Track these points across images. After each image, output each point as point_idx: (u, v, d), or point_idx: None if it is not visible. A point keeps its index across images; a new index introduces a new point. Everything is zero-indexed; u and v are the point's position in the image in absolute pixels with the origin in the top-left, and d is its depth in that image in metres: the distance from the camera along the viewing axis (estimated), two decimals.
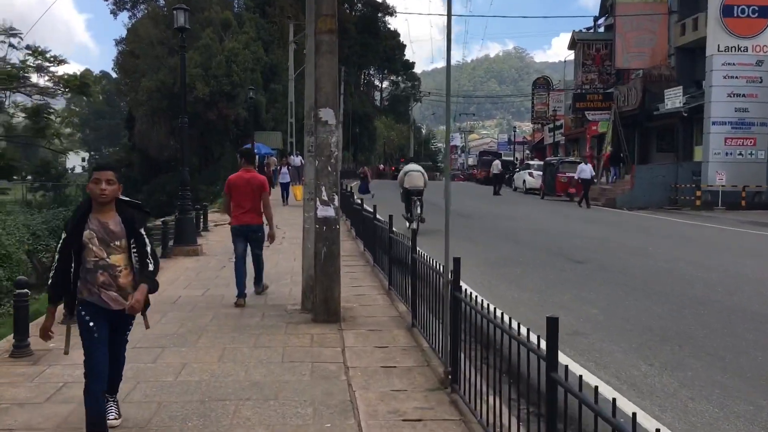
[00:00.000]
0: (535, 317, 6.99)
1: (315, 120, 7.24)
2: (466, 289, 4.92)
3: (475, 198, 29.87)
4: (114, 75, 75.32)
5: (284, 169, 25.20)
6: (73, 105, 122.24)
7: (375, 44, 72.97)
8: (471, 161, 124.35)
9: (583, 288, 9.02)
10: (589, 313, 7.56)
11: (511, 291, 8.92)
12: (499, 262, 11.53)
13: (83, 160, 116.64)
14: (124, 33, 59.72)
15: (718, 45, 25.12)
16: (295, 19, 45.46)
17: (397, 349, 6.10)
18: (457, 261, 5.02)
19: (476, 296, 4.52)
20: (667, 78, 30.97)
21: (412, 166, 17.51)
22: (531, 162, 37.30)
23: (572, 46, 45.99)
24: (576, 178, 24.29)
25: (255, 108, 41.82)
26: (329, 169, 7.16)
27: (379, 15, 73.97)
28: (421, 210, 16.37)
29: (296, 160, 34.07)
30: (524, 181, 34.16)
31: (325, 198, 7.14)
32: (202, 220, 16.35)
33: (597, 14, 47.29)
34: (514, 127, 75.61)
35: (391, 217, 9.14)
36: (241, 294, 8.07)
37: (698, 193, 25.04)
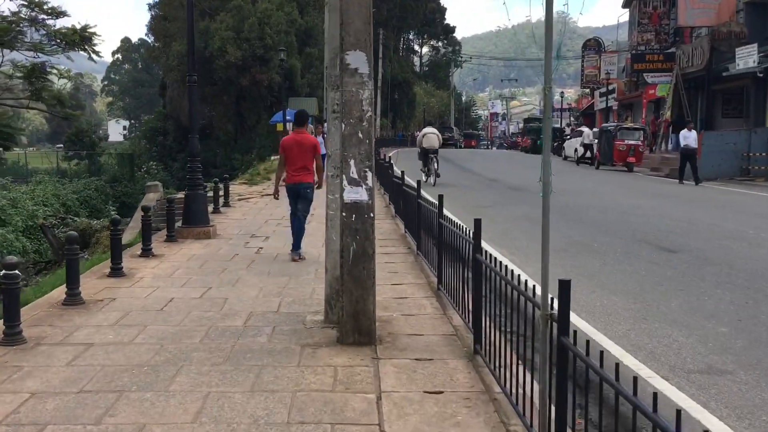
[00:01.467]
0: (653, 345, 4.99)
1: (341, 68, 5.26)
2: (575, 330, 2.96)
3: (525, 168, 27.62)
4: (148, 40, 74.10)
5: (319, 138, 22.14)
6: (113, 74, 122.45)
7: (415, 6, 70.11)
8: (512, 129, 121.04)
9: (691, 290, 6.94)
10: (718, 333, 5.52)
11: (595, 294, 6.90)
12: (569, 249, 9.50)
13: (124, 128, 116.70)
14: None
15: None
16: None
17: (456, 398, 4.18)
18: (565, 287, 3.03)
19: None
20: (738, 35, 28.01)
21: (429, 129, 20.65)
22: (583, 129, 34.67)
23: (627, 4, 42.89)
24: (682, 145, 21.27)
25: (289, 73, 39.95)
26: (360, 135, 5.20)
27: None
28: (437, 166, 19.31)
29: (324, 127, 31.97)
30: (576, 149, 31.69)
31: (355, 175, 5.20)
32: (222, 194, 14.58)
33: None
34: (562, 93, 72.10)
35: (441, 197, 7.18)
36: (297, 248, 8.80)
37: None
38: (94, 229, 19.34)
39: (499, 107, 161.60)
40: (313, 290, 6.98)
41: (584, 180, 21.86)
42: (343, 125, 5.22)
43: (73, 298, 6.29)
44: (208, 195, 12.62)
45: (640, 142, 26.13)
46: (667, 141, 30.81)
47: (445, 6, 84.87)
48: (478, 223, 5.10)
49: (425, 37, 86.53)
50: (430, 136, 19.66)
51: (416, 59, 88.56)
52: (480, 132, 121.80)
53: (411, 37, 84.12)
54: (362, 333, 5.21)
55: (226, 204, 14.58)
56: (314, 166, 8.99)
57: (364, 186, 5.22)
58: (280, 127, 33.12)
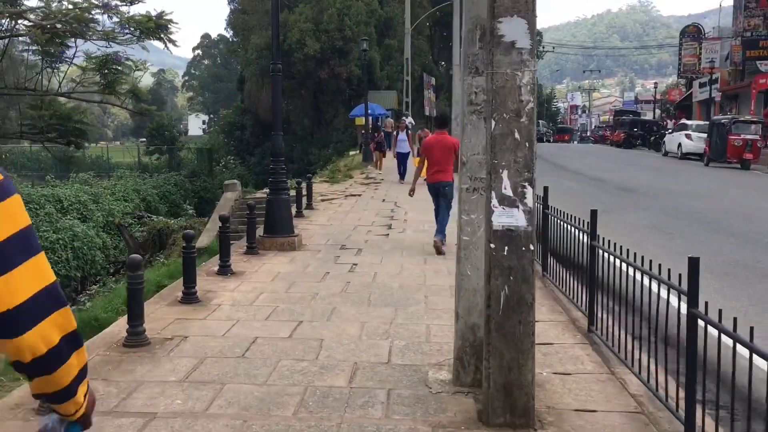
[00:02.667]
0: None
1: (491, 43, 3.77)
2: None
3: (627, 164, 25.46)
4: (227, 35, 74.60)
5: (401, 135, 19.38)
6: (193, 69, 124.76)
7: None
8: (593, 122, 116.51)
9: None
10: None
11: None
12: (732, 272, 7.74)
13: (203, 123, 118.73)
14: None
15: None
16: None
17: None
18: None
19: None
20: None
21: None
22: (687, 122, 32.01)
23: None
24: None
25: (369, 65, 38.76)
26: (517, 136, 3.71)
27: None
28: None
29: (406, 121, 30.61)
30: (680, 144, 29.16)
31: (508, 191, 3.72)
32: (305, 195, 13.36)
33: None
34: (655, 84, 68.33)
35: (594, 213, 5.64)
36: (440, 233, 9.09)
37: None
38: (172, 229, 18.60)
39: (578, 99, 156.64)
40: (428, 329, 5.54)
41: (699, 179, 19.64)
42: (493, 122, 3.74)
43: (136, 338, 5.07)
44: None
45: (758, 137, 23.57)
46: None
47: None
48: (694, 264, 3.51)
49: None
50: None
51: None
52: (561, 125, 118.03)
53: None
54: (516, 412, 3.74)
55: (309, 206, 13.35)
56: (453, 165, 9.06)
57: (521, 206, 3.74)
58: (359, 121, 31.96)
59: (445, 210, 9.16)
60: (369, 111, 31.70)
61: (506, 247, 3.74)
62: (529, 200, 3.73)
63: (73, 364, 1.39)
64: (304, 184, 13.41)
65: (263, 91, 42.48)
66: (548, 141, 61.60)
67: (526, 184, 3.74)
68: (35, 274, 1.33)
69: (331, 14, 37.81)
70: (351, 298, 6.56)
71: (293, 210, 12.24)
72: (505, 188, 3.72)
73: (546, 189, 8.00)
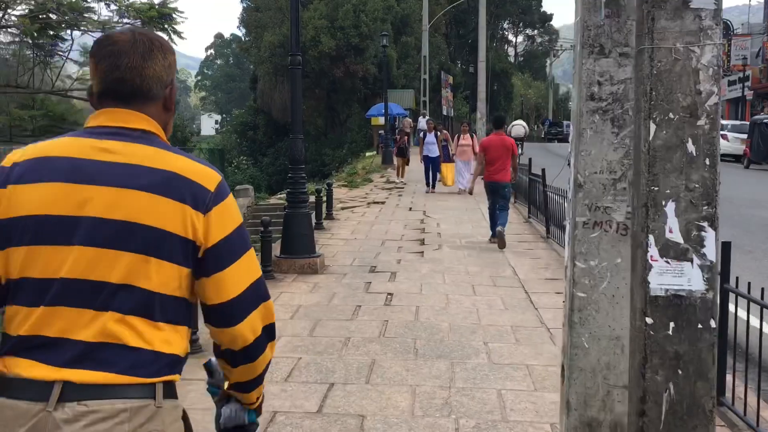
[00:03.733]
0: None
1: (648, 1, 2.39)
2: None
3: None
4: (240, 34, 73.60)
5: (430, 137, 15.96)
6: (205, 69, 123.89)
7: None
8: None
9: None
10: None
11: None
12: None
13: (216, 122, 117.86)
14: None
15: None
16: None
17: None
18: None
19: None
20: None
21: (518, 121, 28.53)
22: (723, 121, 30.42)
23: None
24: None
25: (386, 63, 37.46)
26: (691, 149, 2.36)
27: None
28: (522, 151, 23.29)
29: (422, 122, 28.74)
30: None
31: (676, 236, 2.36)
32: (324, 205, 12.05)
33: None
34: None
35: (727, 249, 4.26)
36: (494, 233, 9.31)
37: None
38: None
39: None
40: (501, 398, 4.18)
41: (750, 185, 18.14)
42: (652, 127, 2.37)
43: None
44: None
45: None
46: None
47: None
48: None
49: (520, 25, 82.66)
50: (518, 127, 25.85)
51: (510, 49, 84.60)
52: None
53: (505, 26, 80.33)
54: None
55: (330, 216, 12.01)
56: (511, 165, 9.63)
57: (696, 260, 2.37)
58: (376, 121, 30.67)
59: (504, 211, 9.52)
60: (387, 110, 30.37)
61: (672, 323, 2.37)
62: (711, 250, 2.37)
63: (268, 354, 1.55)
64: (324, 189, 12.07)
65: (276, 89, 41.25)
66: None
67: (705, 224, 2.38)
68: (249, 267, 1.49)
69: (347, 11, 36.51)
70: (392, 344, 5.21)
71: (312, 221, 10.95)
72: (670, 230, 2.36)
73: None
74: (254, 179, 49.57)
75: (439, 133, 16.12)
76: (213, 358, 1.62)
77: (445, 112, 46.97)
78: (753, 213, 12.18)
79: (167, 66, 1.54)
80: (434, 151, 15.84)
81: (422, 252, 8.90)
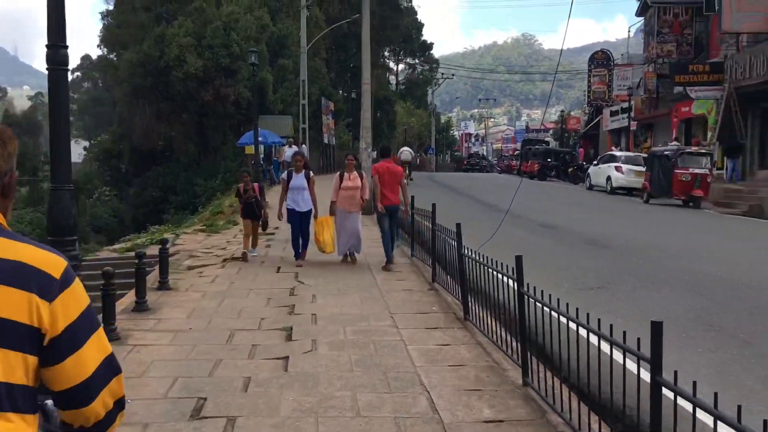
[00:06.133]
0: None
1: None
2: None
3: (559, 203, 22.14)
4: (101, 53, 67.81)
5: (298, 180, 10.56)
6: (72, 92, 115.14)
7: (395, 19, 65.07)
8: (483, 150, 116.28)
9: None
10: None
11: None
12: None
13: (84, 149, 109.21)
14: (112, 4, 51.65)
15: None
16: None
17: None
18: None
19: None
20: None
21: (405, 148, 32.49)
22: (616, 153, 29.41)
23: (642, 11, 38.23)
24: None
25: (260, 86, 34.21)
26: None
27: None
28: (410, 172, 29.04)
29: (288, 153, 24.96)
30: (609, 177, 26.32)
31: None
32: (158, 266, 8.70)
33: None
34: (563, 112, 67.24)
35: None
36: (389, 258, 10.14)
37: None
38: None
39: (472, 128, 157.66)
40: None
41: (666, 226, 16.35)
42: None
43: None
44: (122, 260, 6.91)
45: (707, 171, 20.82)
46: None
47: (422, 22, 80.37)
48: None
49: (401, 54, 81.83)
50: (405, 153, 30.01)
51: (391, 78, 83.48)
52: (456, 153, 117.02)
53: (386, 53, 79.10)
54: None
55: (163, 285, 8.64)
56: (401, 190, 10.46)
57: None
58: (249, 150, 27.26)
59: (394, 234, 10.46)
60: (261, 138, 27.14)
61: None
62: None
63: (117, 423, 1.59)
64: (172, 239, 8.70)
65: (137, 113, 36.92)
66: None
67: None
68: (99, 346, 1.54)
69: (216, 28, 33.01)
70: None
71: (129, 299, 7.69)
72: None
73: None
74: (117, 212, 44.60)
75: (311, 174, 10.54)
76: (49, 401, 1.59)
77: (326, 140, 44.18)
78: (696, 268, 9.94)
79: (6, 156, 1.57)
80: (305, 202, 10.39)
81: (287, 358, 5.80)
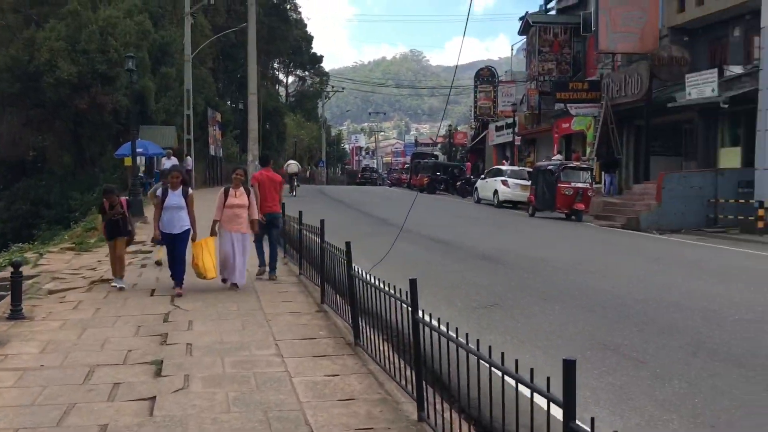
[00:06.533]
0: None
1: None
2: None
3: (450, 216, 22.22)
4: None
5: (175, 197, 9.15)
6: None
7: (284, 30, 64.23)
8: (373, 164, 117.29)
9: None
10: None
11: None
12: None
13: None
14: None
15: None
16: None
17: None
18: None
19: None
20: (679, 61, 24.50)
21: (291, 161, 35.75)
22: (503, 167, 30.03)
23: (524, 31, 39.55)
24: None
25: (140, 96, 32.54)
26: None
27: None
28: (298, 185, 32.12)
29: (167, 164, 23.08)
30: (496, 191, 26.80)
31: None
32: (10, 292, 7.69)
33: None
34: (450, 127, 68.52)
35: None
36: (263, 263, 10.40)
37: (761, 212, 18.48)
38: None
39: (362, 141, 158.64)
40: None
41: (552, 239, 16.63)
42: None
43: None
44: None
45: (588, 185, 21.53)
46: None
47: (312, 34, 79.99)
48: None
49: (291, 66, 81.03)
50: (292, 165, 33.22)
51: (281, 89, 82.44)
52: (346, 166, 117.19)
53: (276, 65, 78.05)
54: None
55: (16, 314, 7.63)
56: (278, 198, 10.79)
57: None
58: (128, 161, 25.75)
59: (276, 242, 10.65)
60: (140, 149, 25.74)
61: None
62: None
63: None
64: (32, 260, 7.68)
65: (4, 121, 34.22)
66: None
67: None
68: None
69: (92, 33, 31.07)
70: None
71: None
72: None
73: None
74: None
75: (190, 191, 9.17)
76: None
77: (213, 152, 42.75)
78: (585, 282, 9.96)
79: None
80: (183, 222, 9.07)
81: (154, 398, 5.10)
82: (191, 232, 9.21)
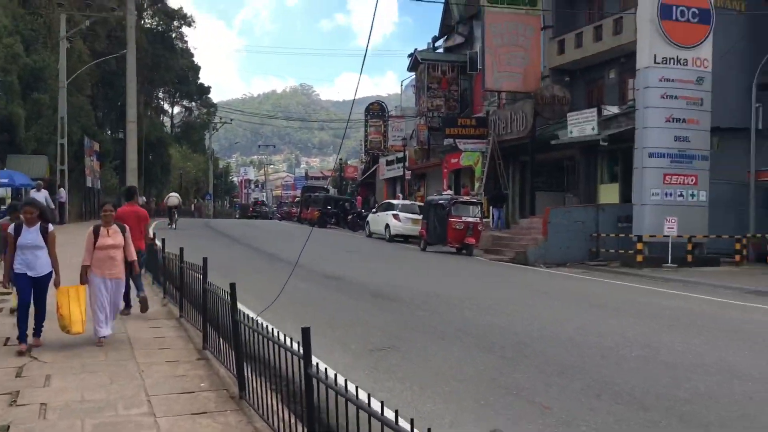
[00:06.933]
0: None
1: None
2: None
3: (343, 251, 21.73)
4: None
5: (31, 234, 7.76)
6: None
7: (169, 59, 62.31)
8: (263, 196, 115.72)
9: None
10: None
11: None
12: None
13: None
14: None
15: (655, 55, 19.64)
16: (68, 8, 34.55)
17: None
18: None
19: None
20: (561, 100, 25.48)
21: (172, 193, 35.35)
22: (394, 201, 29.96)
23: (413, 67, 40.22)
24: None
25: (8, 123, 30.29)
26: None
27: (175, 24, 63.52)
28: (177, 218, 32.44)
29: (36, 196, 21.45)
30: (387, 225, 26.65)
31: None
32: None
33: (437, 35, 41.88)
34: (341, 160, 68.37)
35: None
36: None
37: (639, 246, 19.22)
38: None
39: (251, 174, 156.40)
40: None
41: (431, 270, 16.50)
42: None
43: None
44: None
45: (478, 219, 21.74)
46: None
47: (199, 64, 78.09)
48: None
49: (177, 95, 78.65)
50: (173, 198, 33.09)
51: (166, 120, 79.78)
52: (235, 199, 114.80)
53: (161, 95, 75.52)
54: None
55: None
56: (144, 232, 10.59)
57: None
58: None
59: (139, 277, 9.76)
60: (5, 180, 23.81)
61: None
62: None
63: None
64: None
65: None
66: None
67: None
68: None
69: None
70: None
71: None
72: None
73: None
74: None
75: (50, 228, 7.85)
76: None
77: (90, 184, 40.32)
78: (488, 321, 9.71)
79: None
80: (42, 265, 7.75)
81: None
82: (53, 275, 7.92)
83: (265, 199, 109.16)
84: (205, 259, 7.76)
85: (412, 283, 13.73)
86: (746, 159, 21.10)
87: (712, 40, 20.06)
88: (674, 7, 19.71)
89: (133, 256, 8.67)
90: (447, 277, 15.53)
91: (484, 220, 25.47)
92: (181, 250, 9.69)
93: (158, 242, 12.36)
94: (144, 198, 38.68)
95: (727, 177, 21.36)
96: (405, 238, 26.59)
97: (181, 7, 65.36)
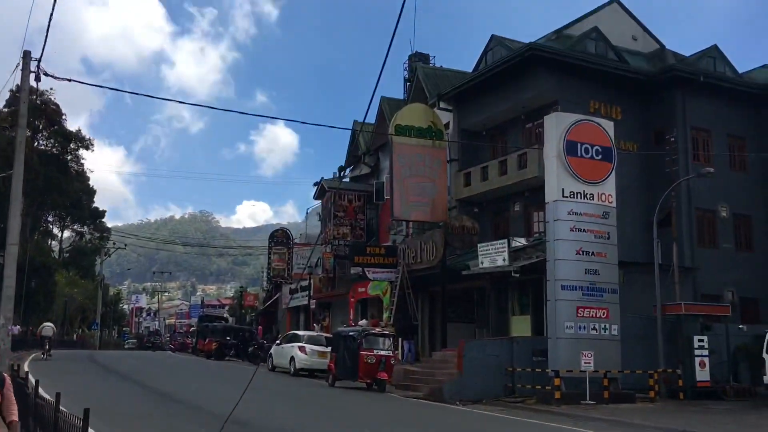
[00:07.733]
0: None
1: None
2: None
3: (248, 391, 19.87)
4: None
5: None
6: None
7: (63, 182, 59.63)
8: (155, 325, 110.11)
9: None
10: None
11: None
12: None
13: None
14: None
15: (563, 189, 20.01)
16: None
17: None
18: None
19: None
20: (470, 230, 25.52)
21: (46, 323, 33.90)
22: (299, 332, 28.40)
23: (320, 195, 40.08)
24: None
25: None
26: None
27: (72, 147, 61.40)
28: (50, 348, 31.86)
29: None
30: (293, 358, 25.02)
31: None
32: None
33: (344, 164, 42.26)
34: (241, 288, 65.99)
35: None
36: None
37: (557, 382, 18.57)
38: None
39: (144, 301, 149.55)
40: None
41: (342, 411, 15.10)
42: None
43: None
44: None
45: (391, 353, 20.65)
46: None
47: (94, 188, 75.23)
48: None
49: (68, 219, 74.97)
50: (47, 328, 32.57)
51: (54, 244, 75.46)
52: (125, 331, 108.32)
53: (51, 218, 71.78)
54: None
55: None
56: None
57: None
58: None
59: None
60: None
61: None
62: None
63: None
64: None
65: None
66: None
67: None
68: None
69: None
70: None
71: None
72: None
73: None
74: None
75: None
76: None
77: None
78: None
79: None
80: None
81: None
82: None
83: (158, 327, 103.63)
84: (86, 411, 6.30)
85: (322, 427, 12.32)
86: (651, 292, 21.37)
87: (614, 177, 20.76)
88: (579, 144, 20.36)
89: (15, 415, 6.77)
90: (359, 420, 14.17)
91: (395, 352, 24.44)
92: (58, 394, 8.07)
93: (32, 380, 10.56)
94: (19, 327, 36.60)
95: (633, 311, 21.51)
96: (311, 373, 24.99)
97: (80, 129, 63.20)
